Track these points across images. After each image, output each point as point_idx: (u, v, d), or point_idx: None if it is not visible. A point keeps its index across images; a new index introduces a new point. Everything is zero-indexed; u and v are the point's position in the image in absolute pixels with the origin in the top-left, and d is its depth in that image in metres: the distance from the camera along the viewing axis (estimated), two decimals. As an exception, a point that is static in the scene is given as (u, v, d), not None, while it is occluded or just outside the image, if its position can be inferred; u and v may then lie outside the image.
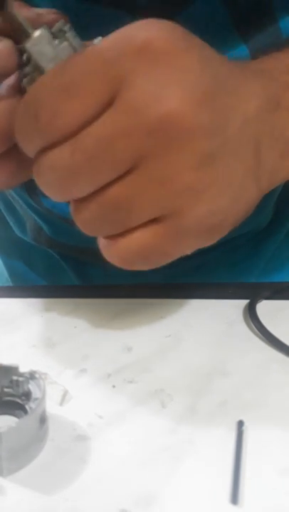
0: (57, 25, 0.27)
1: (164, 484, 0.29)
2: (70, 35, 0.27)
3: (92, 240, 0.29)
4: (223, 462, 0.31)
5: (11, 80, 0.29)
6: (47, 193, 0.28)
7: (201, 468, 0.30)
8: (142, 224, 0.27)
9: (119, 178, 0.26)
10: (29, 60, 0.27)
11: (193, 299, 0.47)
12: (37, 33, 0.27)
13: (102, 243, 0.29)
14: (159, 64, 0.24)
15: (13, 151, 0.29)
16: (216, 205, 0.26)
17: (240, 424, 0.33)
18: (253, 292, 0.47)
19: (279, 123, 0.29)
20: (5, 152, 0.29)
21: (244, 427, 0.33)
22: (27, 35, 0.27)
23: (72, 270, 0.60)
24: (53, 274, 0.62)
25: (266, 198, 0.53)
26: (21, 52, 0.28)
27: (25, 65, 0.28)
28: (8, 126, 0.28)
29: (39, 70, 0.27)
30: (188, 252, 0.29)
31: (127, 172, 0.25)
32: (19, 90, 0.29)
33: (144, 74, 0.24)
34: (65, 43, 0.27)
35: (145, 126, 0.24)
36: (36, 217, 0.57)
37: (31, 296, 0.49)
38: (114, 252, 0.28)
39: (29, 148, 0.27)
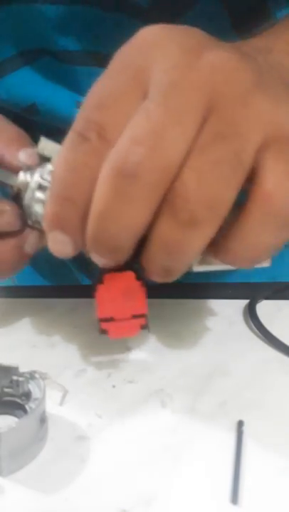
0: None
1: (164, 484, 0.29)
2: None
3: None
4: (223, 462, 0.31)
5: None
6: (171, 274, 0.27)
7: (201, 468, 0.30)
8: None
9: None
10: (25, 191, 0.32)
11: (193, 299, 0.47)
12: (21, 175, 0.32)
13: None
14: (167, 51, 0.25)
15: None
16: None
17: (240, 424, 0.33)
18: (253, 292, 0.47)
19: (281, 61, 0.29)
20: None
21: (244, 427, 0.33)
22: (14, 181, 0.32)
23: (77, 270, 0.60)
24: (57, 274, 0.62)
25: None
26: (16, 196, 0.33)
27: (22, 200, 0.33)
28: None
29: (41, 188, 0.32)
30: None
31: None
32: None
33: (164, 66, 0.25)
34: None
35: (193, 115, 0.24)
36: None
37: (32, 296, 0.49)
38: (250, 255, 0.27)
39: (124, 252, 0.27)
